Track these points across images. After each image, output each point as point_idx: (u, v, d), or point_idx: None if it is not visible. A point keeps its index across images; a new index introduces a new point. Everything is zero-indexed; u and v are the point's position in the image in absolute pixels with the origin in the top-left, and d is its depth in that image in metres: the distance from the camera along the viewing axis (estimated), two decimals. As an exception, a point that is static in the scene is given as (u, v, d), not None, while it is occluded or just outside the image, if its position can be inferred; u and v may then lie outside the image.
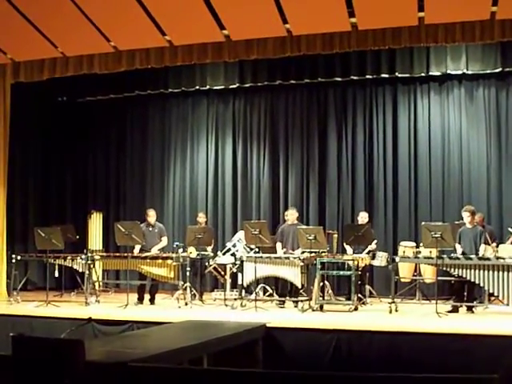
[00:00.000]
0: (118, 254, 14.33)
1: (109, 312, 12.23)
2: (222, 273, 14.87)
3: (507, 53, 14.71)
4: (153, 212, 14.38)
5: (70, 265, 14.12)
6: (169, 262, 13.61)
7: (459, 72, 15.29)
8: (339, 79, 16.00)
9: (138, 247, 13.89)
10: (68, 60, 14.06)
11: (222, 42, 13.15)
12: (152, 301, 13.89)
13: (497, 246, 13.72)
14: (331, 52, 13.48)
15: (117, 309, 12.72)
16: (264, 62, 15.24)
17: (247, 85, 16.60)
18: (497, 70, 15.03)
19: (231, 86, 16.75)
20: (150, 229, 14.16)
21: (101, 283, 15.85)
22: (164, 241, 14.24)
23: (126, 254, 13.93)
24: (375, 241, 13.73)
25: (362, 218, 14.35)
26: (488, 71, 15.17)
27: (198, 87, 16.87)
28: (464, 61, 15.07)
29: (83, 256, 13.85)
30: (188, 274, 13.54)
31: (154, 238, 14.14)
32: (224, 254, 14.68)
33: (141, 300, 13.83)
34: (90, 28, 12.37)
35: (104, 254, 15.01)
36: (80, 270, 14.10)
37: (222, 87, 16.79)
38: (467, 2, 11.31)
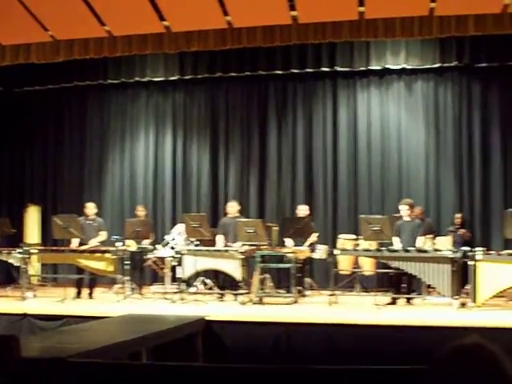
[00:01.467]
0: (55, 248, 14.16)
1: (46, 307, 12.06)
2: (162, 266, 14.77)
3: (446, 48, 14.90)
4: (91, 205, 14.22)
5: (6, 259, 13.88)
6: (107, 255, 13.47)
7: (399, 67, 15.42)
8: (280, 72, 16.00)
9: (75, 241, 13.73)
10: (4, 49, 13.80)
11: (162, 34, 13.05)
12: (90, 295, 13.73)
13: (434, 239, 13.89)
14: (272, 45, 13.48)
15: (54, 303, 12.52)
16: (204, 54, 15.19)
17: (187, 77, 16.49)
18: (435, 66, 15.22)
19: (171, 78, 16.63)
20: (89, 222, 14.00)
21: (38, 278, 15.63)
22: (102, 235, 14.08)
23: (63, 248, 13.76)
24: (317, 234, 13.79)
25: (302, 210, 14.39)
26: (427, 66, 15.35)
27: (137, 79, 16.73)
28: (403, 56, 15.22)
29: (19, 250, 13.64)
30: (127, 267, 13.42)
31: (93, 232, 13.97)
32: (163, 246, 14.59)
33: (79, 294, 13.67)
34: (27, 16, 12.15)
35: (41, 247, 14.82)
36: (16, 264, 13.87)
37: (162, 79, 16.67)
38: (407, -2, 11.42)
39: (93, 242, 13.80)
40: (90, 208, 14.14)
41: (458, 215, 14.78)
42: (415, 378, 4.53)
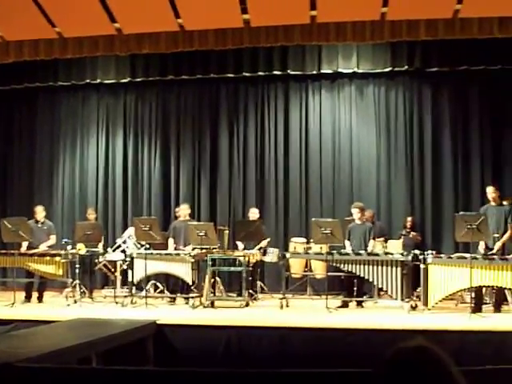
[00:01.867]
0: (4, 251, 13.95)
1: (-5, 311, 11.92)
2: (112, 270, 14.68)
3: (397, 53, 15.02)
4: (41, 208, 14.07)
5: (-46, 262, 13.70)
6: (57, 259, 13.34)
7: (350, 70, 15.50)
8: (231, 75, 15.97)
9: (25, 244, 13.57)
10: (-48, 50, 13.62)
11: (113, 35, 12.94)
12: (40, 299, 13.57)
13: (386, 242, 13.99)
14: (224, 48, 13.47)
15: (3, 307, 12.36)
16: (156, 56, 15.11)
17: (139, 79, 16.39)
18: (386, 70, 15.33)
19: (122, 81, 16.51)
20: (39, 225, 13.86)
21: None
22: (52, 239, 13.94)
23: (12, 251, 13.57)
24: (268, 239, 13.87)
25: (253, 214, 14.40)
26: (378, 70, 15.44)
27: (88, 81, 16.57)
28: (355, 60, 15.30)
29: (-33, 253, 13.46)
30: (77, 271, 13.31)
31: (43, 235, 13.83)
32: (114, 250, 14.51)
33: (28, 298, 13.50)
34: (-25, 17, 12.01)
35: (-10, 250, 14.63)
36: (-36, 268, 13.69)
37: (113, 81, 16.55)
38: (358, 2, 11.45)
39: (43, 246, 13.66)
40: (39, 211, 13.99)
41: (409, 218, 14.92)
42: (364, 380, 4.56)
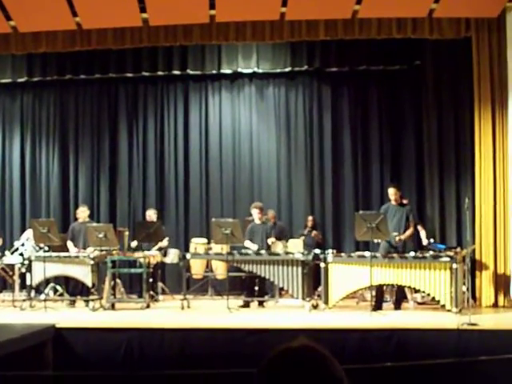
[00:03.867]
0: None
1: None
2: (11, 273, 14.37)
3: (296, 53, 15.08)
4: None
5: None
6: (-48, 262, 13.01)
7: (250, 70, 15.51)
8: (130, 75, 15.80)
9: None
10: None
11: (8, 34, 12.69)
12: None
13: (287, 242, 14.07)
14: (122, 47, 13.35)
15: None
16: (53, 55, 14.84)
17: (36, 79, 16.06)
18: (286, 70, 15.36)
19: (19, 80, 16.14)
20: None
21: None
22: None
23: None
24: (167, 238, 13.80)
25: (152, 214, 14.33)
26: (278, 70, 15.47)
27: (-17, 80, 16.20)
28: (255, 60, 15.30)
29: None
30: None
31: None
32: (12, 253, 14.19)
33: None
34: None
35: None
36: None
37: (10, 81, 16.17)
38: (257, 2, 11.50)
39: None
40: None
41: (310, 217, 15.01)
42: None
